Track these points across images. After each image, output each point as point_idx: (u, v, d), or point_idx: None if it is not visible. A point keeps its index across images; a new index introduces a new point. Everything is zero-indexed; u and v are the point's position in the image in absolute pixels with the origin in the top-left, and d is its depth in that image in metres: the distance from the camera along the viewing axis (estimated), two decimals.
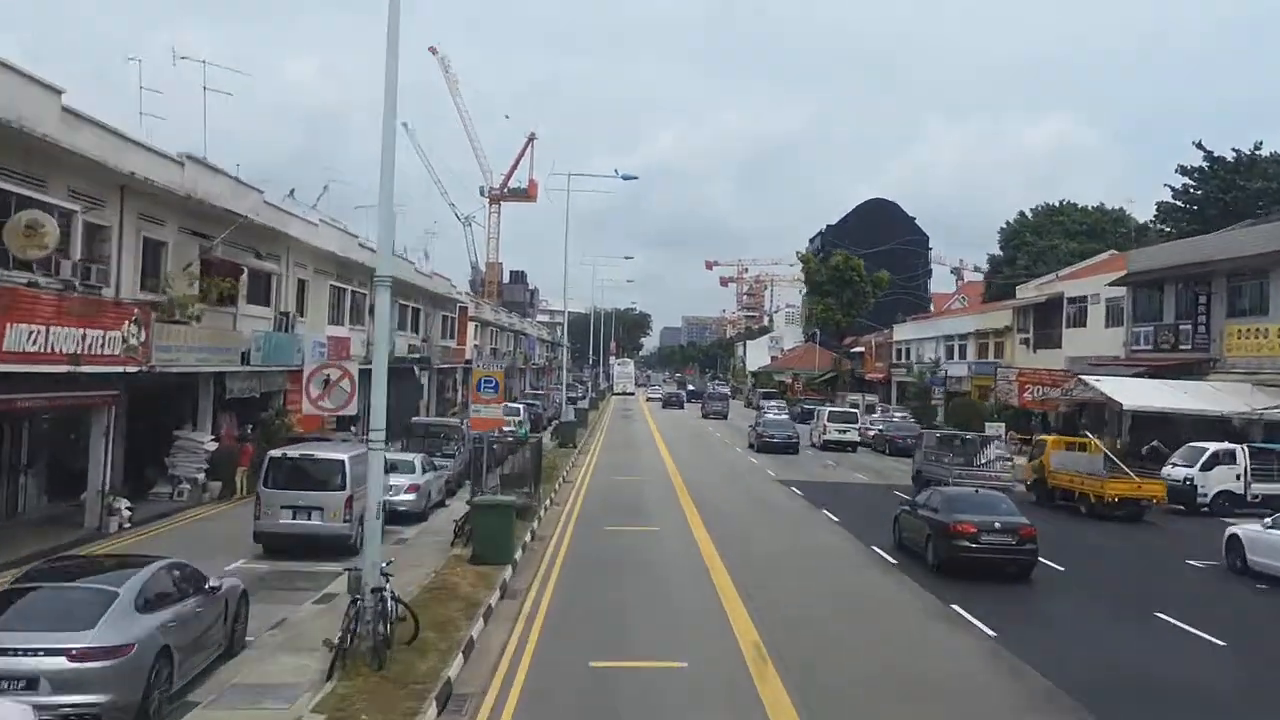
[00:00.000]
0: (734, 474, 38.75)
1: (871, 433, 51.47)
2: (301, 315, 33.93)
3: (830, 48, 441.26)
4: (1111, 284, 46.73)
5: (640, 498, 30.20)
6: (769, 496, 32.53)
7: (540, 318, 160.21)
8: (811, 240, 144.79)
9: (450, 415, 60.95)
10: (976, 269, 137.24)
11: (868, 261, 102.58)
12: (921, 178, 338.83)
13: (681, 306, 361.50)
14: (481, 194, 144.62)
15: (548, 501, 27.19)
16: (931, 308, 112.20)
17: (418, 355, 47.56)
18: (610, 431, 57.65)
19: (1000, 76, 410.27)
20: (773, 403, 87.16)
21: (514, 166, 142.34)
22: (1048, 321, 56.28)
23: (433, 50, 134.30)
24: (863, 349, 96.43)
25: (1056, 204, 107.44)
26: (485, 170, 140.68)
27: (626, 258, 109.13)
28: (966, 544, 19.18)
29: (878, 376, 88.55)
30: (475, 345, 67.36)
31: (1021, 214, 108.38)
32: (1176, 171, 70.28)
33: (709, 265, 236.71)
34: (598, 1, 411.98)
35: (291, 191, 41.52)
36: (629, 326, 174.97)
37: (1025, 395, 47.70)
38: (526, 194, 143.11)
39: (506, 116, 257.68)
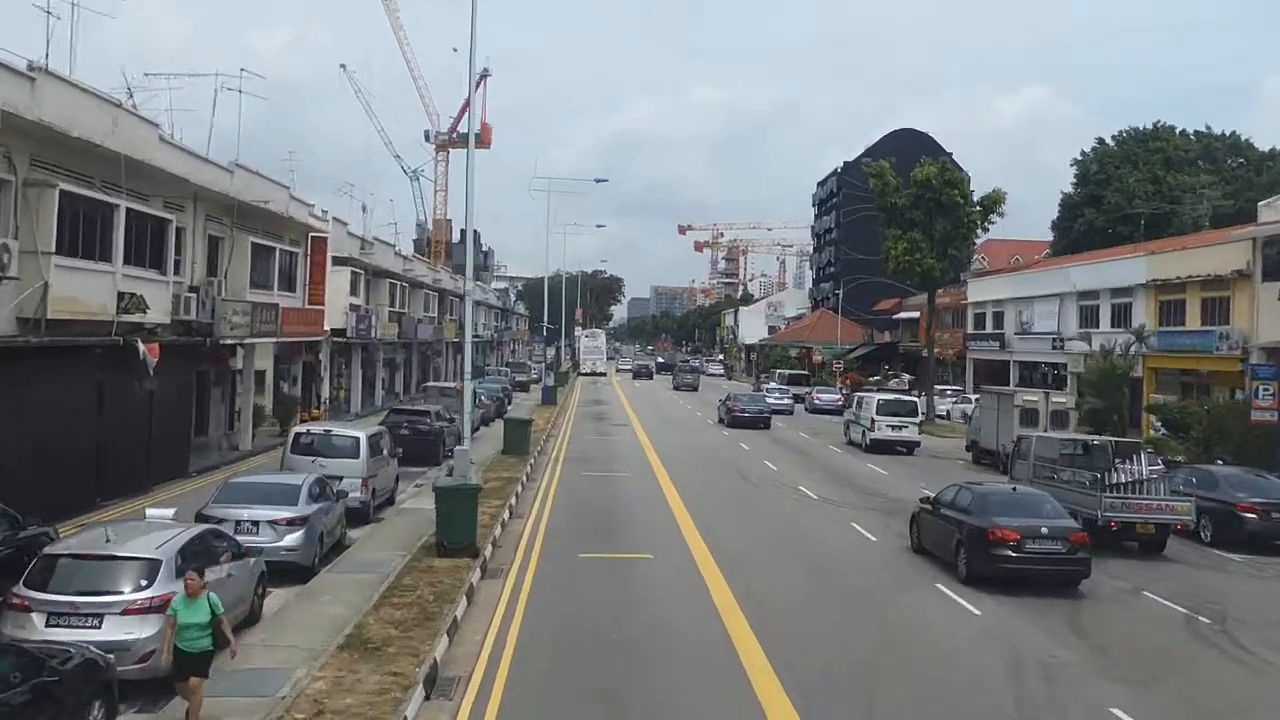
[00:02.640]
0: None
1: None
2: None
3: (806, 23, 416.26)
4: None
5: None
6: None
7: (497, 284, 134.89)
8: (821, 183, 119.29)
9: (303, 423, 34.71)
10: None
11: None
12: None
13: (650, 276, 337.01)
14: (427, 139, 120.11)
15: None
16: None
17: (150, 322, 21.89)
18: (568, 464, 30.41)
19: (975, 52, 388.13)
20: (800, 389, 62.75)
21: (464, 108, 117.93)
22: None
23: None
24: (915, 314, 71.59)
25: (1150, 127, 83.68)
26: (431, 113, 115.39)
27: (599, 180, 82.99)
28: (1008, 553, 16.32)
29: (944, 354, 63.71)
30: (355, 306, 41.56)
31: (1100, 141, 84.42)
32: None
33: (682, 230, 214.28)
34: None
35: None
36: (597, 292, 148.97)
37: None
38: (480, 141, 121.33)
39: (455, 49, 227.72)
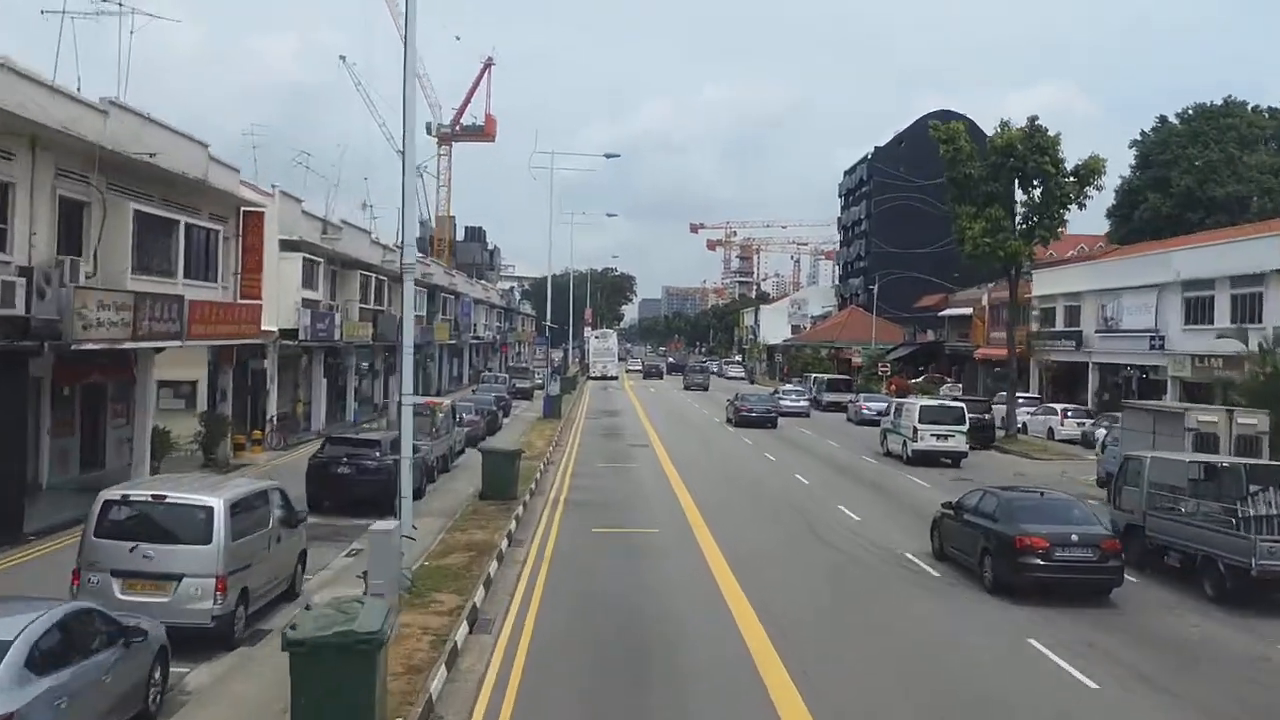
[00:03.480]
0: None
1: None
2: None
3: (817, 21, 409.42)
4: None
5: None
6: None
7: (503, 284, 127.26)
8: (848, 172, 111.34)
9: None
10: None
11: (935, 194, 69.69)
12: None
13: (661, 278, 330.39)
14: (429, 132, 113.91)
15: None
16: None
17: None
18: (571, 512, 21.92)
19: (988, 51, 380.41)
20: (842, 395, 56.05)
21: (468, 99, 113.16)
22: None
23: None
24: (965, 310, 63.82)
25: (1219, 103, 75.44)
26: (433, 104, 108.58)
27: (609, 156, 75.51)
28: (1037, 561, 15.69)
29: (998, 354, 55.65)
30: (311, 301, 33.92)
31: (1162, 119, 76.32)
32: None
33: (694, 228, 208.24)
34: None
35: None
36: (608, 291, 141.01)
37: None
38: (483, 132, 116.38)
39: (458, 38, 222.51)
